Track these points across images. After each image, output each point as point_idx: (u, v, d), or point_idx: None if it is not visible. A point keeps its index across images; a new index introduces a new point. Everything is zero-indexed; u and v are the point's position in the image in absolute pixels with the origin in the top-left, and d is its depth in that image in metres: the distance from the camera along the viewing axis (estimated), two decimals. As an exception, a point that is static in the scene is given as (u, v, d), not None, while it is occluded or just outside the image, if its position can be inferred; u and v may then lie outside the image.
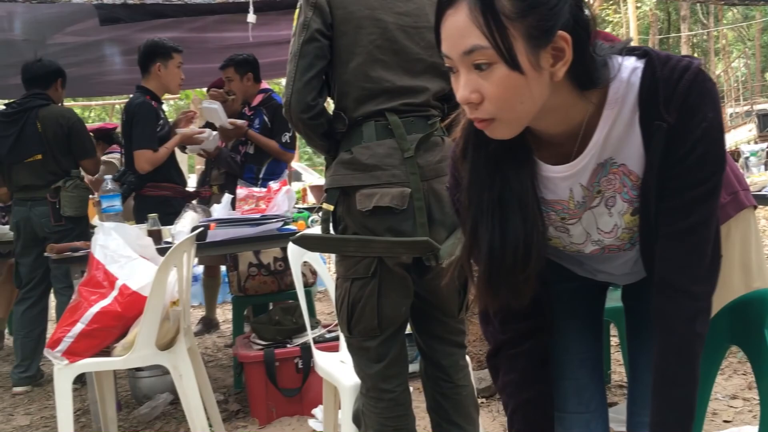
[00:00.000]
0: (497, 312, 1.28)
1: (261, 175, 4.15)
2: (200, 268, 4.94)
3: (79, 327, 2.57)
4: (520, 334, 1.28)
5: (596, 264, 1.29)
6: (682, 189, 1.07)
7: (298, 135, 3.24)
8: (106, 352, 2.63)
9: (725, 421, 2.67)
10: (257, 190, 3.59)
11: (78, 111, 4.61)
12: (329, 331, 3.10)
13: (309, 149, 16.68)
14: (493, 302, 1.17)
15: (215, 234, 3.09)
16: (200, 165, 5.82)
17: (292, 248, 2.49)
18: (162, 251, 2.82)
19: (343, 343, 2.42)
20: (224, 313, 5.34)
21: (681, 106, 1.02)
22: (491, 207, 1.10)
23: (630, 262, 1.25)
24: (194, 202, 3.81)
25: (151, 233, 3.03)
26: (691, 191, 1.06)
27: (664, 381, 1.14)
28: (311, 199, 4.82)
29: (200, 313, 5.13)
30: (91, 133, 4.26)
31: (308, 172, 12.71)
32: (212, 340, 4.70)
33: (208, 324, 4.90)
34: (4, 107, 4.10)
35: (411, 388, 2.05)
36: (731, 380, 3.09)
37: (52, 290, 3.96)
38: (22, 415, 3.49)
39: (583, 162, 1.10)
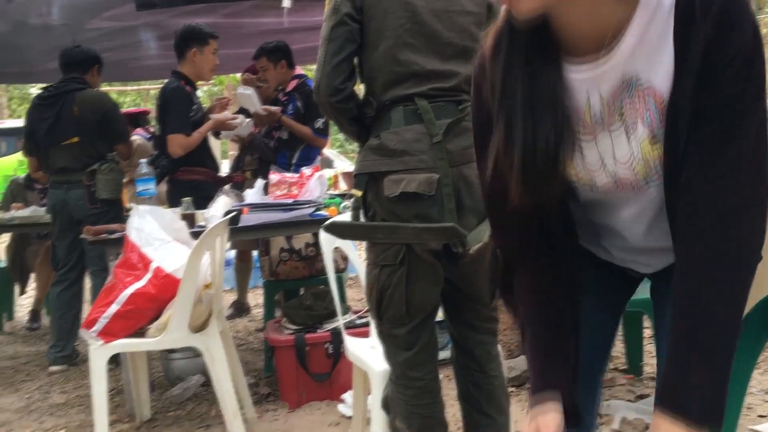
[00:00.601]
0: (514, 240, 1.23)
1: (294, 161, 4.17)
2: (232, 253, 4.99)
3: (114, 308, 2.61)
4: (538, 254, 1.22)
5: (610, 218, 1.22)
6: (717, 108, 1.02)
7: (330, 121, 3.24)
8: (140, 333, 2.68)
9: (760, 416, 2.63)
10: (290, 176, 3.61)
11: (114, 96, 4.67)
12: (360, 317, 3.11)
13: (341, 136, 16.71)
14: (526, 197, 1.12)
15: (248, 219, 3.11)
16: (234, 150, 5.86)
17: (323, 234, 2.49)
18: (195, 235, 2.84)
19: (373, 328, 2.42)
20: (256, 298, 5.38)
21: (718, 20, 1.00)
22: (522, 104, 1.08)
23: (647, 215, 1.18)
24: (227, 186, 3.84)
25: (184, 217, 3.06)
26: (727, 110, 1.01)
27: (682, 317, 1.03)
28: (343, 186, 4.82)
29: (232, 297, 5.19)
30: None
31: (340, 158, 12.71)
32: (243, 324, 4.74)
33: (240, 308, 4.95)
34: (41, 91, 4.17)
35: (441, 376, 2.04)
36: (767, 375, 3.04)
37: (87, 272, 4.03)
38: (58, 393, 3.56)
39: (607, 65, 1.07)
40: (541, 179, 1.09)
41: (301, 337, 3.08)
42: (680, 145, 1.05)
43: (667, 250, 1.14)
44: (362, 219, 1.95)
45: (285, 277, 3.74)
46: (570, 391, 1.16)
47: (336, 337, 3.06)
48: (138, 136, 5.00)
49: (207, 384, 3.33)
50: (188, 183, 3.81)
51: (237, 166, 4.62)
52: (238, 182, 4.24)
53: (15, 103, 25.02)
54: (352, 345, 2.43)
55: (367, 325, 2.89)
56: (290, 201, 3.34)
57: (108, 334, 2.61)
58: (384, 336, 1.97)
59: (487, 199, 1.23)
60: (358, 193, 1.92)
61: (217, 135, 4.43)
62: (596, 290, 1.32)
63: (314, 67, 1.98)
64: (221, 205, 3.26)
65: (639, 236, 1.22)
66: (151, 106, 8.22)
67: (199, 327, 2.69)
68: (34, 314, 5.07)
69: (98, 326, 2.62)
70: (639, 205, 1.18)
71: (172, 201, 3.68)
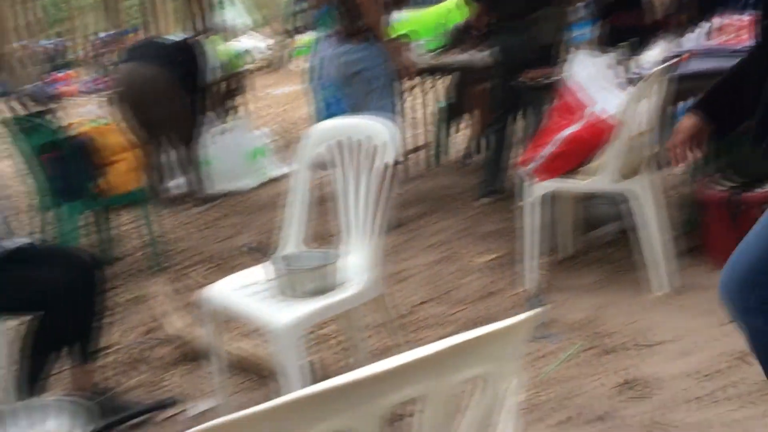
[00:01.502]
0: None
1: (749, 1, 3.72)
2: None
3: (549, 149, 2.77)
4: None
5: None
6: None
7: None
8: (571, 174, 2.80)
9: None
10: (738, 19, 3.27)
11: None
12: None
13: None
14: None
15: (688, 66, 2.94)
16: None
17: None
18: (631, 81, 2.80)
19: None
20: (677, 152, 5.15)
21: None
22: None
23: None
24: (664, 31, 3.63)
25: (620, 63, 3.01)
26: None
27: None
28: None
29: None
30: None
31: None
32: (662, 177, 4.60)
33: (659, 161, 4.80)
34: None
35: None
36: None
37: (521, 114, 4.25)
38: (488, 222, 3.94)
39: None
40: None
41: (738, 194, 2.89)
42: None
43: None
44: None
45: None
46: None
47: (779, 199, 2.81)
48: None
49: (624, 232, 3.38)
50: (623, 28, 3.71)
51: (675, 8, 4.31)
52: (676, 26, 3.97)
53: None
54: (804, 209, 2.21)
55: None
56: (738, 47, 3.04)
57: (542, 172, 2.79)
58: None
59: None
60: None
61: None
62: None
63: None
64: (659, 50, 3.13)
65: None
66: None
67: (630, 173, 2.70)
68: (468, 150, 5.60)
69: (534, 164, 2.81)
70: None
71: (607, 46, 3.63)
